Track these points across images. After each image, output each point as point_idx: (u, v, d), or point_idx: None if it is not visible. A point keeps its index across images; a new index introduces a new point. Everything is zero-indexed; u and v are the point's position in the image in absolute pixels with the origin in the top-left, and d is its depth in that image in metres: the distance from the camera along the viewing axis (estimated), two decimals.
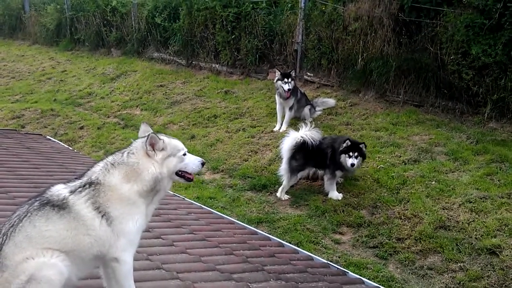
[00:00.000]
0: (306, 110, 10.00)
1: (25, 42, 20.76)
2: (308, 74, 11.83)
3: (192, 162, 3.16)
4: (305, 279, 4.15)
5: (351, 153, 7.24)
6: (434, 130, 9.04)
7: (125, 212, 2.85)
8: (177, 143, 3.12)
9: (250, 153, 9.17)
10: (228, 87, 12.55)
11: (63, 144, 8.75)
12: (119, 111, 12.47)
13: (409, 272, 5.96)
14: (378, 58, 10.37)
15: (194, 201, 6.68)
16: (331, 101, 10.49)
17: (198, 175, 8.58)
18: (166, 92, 12.92)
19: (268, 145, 9.31)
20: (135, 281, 3.00)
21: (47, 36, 19.52)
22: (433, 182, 7.41)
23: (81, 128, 11.64)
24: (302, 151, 7.43)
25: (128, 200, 2.87)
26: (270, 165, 8.63)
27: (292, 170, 7.54)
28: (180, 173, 3.13)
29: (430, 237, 6.31)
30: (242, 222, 6.07)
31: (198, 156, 3.26)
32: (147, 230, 4.16)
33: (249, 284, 3.75)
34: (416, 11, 9.87)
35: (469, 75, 8.97)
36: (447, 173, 7.66)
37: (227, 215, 6.33)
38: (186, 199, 6.52)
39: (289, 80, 9.53)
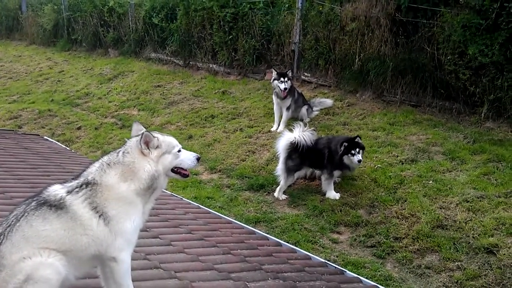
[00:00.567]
0: (304, 110, 10.00)
1: (22, 42, 20.72)
2: (306, 74, 11.84)
3: (187, 158, 3.16)
4: (302, 278, 4.16)
5: (353, 151, 7.26)
6: (431, 130, 9.06)
7: (122, 211, 2.85)
8: (171, 140, 3.12)
9: (247, 153, 9.18)
10: (226, 87, 12.56)
11: (60, 145, 8.74)
12: (117, 111, 12.46)
13: (406, 271, 5.96)
14: (375, 58, 10.38)
15: (192, 201, 6.68)
16: (329, 101, 10.49)
17: (196, 174, 8.59)
18: (163, 93, 12.91)
19: (265, 145, 9.31)
20: (133, 280, 3.00)
21: (44, 37, 19.49)
22: (430, 182, 7.43)
23: (79, 128, 11.63)
24: (298, 151, 7.45)
25: (126, 200, 2.87)
26: (267, 165, 8.63)
27: (289, 170, 7.55)
28: (175, 169, 3.13)
29: (427, 236, 6.32)
30: (240, 221, 6.08)
31: None
32: (145, 229, 4.17)
33: (247, 283, 3.75)
34: (413, 12, 9.89)
35: (466, 75, 8.99)
36: (444, 173, 7.68)
37: (225, 214, 6.33)
38: (183, 199, 6.52)
39: (286, 79, 9.53)
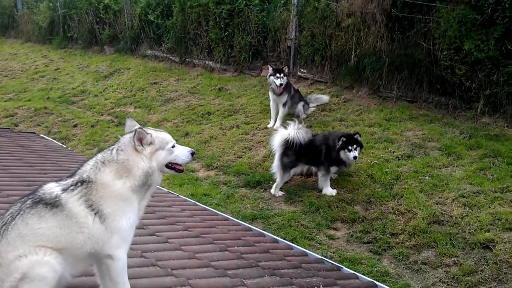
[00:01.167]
0: (300, 106, 10.01)
1: (18, 40, 20.62)
2: (302, 70, 11.83)
3: (181, 153, 3.15)
4: (299, 275, 4.17)
5: (350, 147, 7.27)
6: (427, 125, 9.07)
7: (118, 209, 2.85)
8: (165, 136, 3.11)
9: (244, 150, 9.18)
10: (222, 84, 12.55)
11: (56, 142, 8.73)
12: (113, 109, 12.43)
13: (403, 267, 5.99)
14: (371, 54, 10.38)
15: (189, 198, 6.68)
16: (325, 97, 10.50)
17: (192, 171, 8.58)
18: (159, 90, 12.89)
19: (262, 141, 9.31)
20: (130, 278, 3.00)
21: (40, 34, 19.40)
22: (427, 177, 7.44)
23: (75, 126, 11.61)
24: (293, 148, 7.44)
25: (121, 197, 2.87)
26: (264, 162, 8.64)
27: (284, 167, 7.56)
28: (170, 165, 3.12)
29: (423, 232, 6.34)
30: (237, 218, 6.08)
31: None
32: (142, 227, 4.17)
33: (244, 280, 3.76)
34: (408, 7, 9.89)
35: (461, 70, 9.00)
36: (440, 168, 7.70)
37: (221, 211, 6.34)
38: (180, 196, 6.52)
39: (281, 75, 9.53)
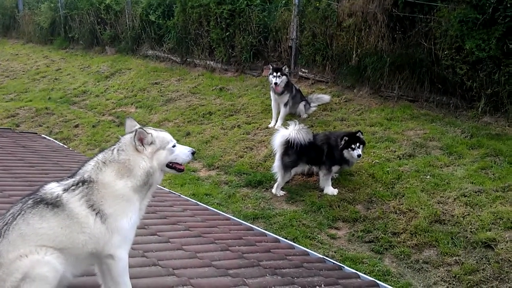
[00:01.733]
0: (301, 106, 10.02)
1: (19, 40, 20.66)
2: (303, 70, 11.84)
3: (182, 153, 3.15)
4: (301, 274, 4.16)
5: (353, 145, 7.28)
6: (428, 124, 9.07)
7: (119, 209, 2.85)
8: (165, 135, 3.11)
9: (245, 150, 9.18)
10: (223, 84, 12.55)
11: (58, 143, 8.74)
12: (114, 109, 12.44)
13: (404, 266, 5.98)
14: (372, 54, 10.38)
15: (190, 198, 6.68)
16: (326, 97, 10.49)
17: (194, 171, 8.59)
18: (160, 90, 12.90)
19: (263, 141, 9.31)
20: (131, 277, 3.00)
21: (41, 35, 19.43)
22: (428, 177, 7.44)
23: (76, 126, 11.62)
24: (294, 148, 7.44)
25: (122, 197, 2.87)
26: (265, 161, 8.63)
27: (285, 167, 7.55)
28: (171, 164, 3.12)
29: (425, 231, 6.34)
30: (238, 218, 6.07)
31: None
32: (143, 227, 4.17)
33: (245, 279, 3.76)
34: (410, 7, 9.89)
35: (463, 69, 9.00)
36: (441, 168, 7.69)
37: (223, 211, 6.34)
38: (182, 196, 6.52)
39: (278, 74, 9.52)
